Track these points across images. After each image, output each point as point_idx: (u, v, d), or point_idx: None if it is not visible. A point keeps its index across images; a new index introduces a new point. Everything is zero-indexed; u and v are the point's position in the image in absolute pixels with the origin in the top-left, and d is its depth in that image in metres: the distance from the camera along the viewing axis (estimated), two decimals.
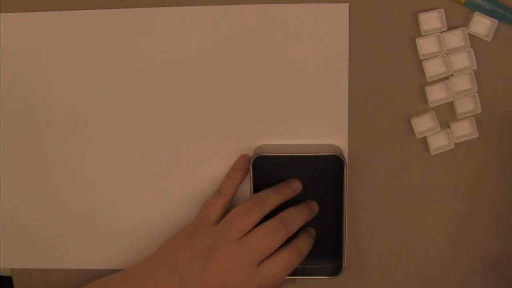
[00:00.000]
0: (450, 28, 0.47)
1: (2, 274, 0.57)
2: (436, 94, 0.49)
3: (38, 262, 0.56)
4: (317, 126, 0.50)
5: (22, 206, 0.54)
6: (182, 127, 0.51)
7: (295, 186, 0.50)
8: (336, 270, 0.51)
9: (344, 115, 0.50)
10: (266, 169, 0.49)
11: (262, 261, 0.45)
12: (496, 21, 0.46)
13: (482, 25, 0.47)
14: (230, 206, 0.49)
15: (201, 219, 0.49)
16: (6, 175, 0.53)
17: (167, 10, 0.49)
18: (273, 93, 0.50)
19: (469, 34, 0.47)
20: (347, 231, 0.51)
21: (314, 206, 0.50)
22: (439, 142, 0.50)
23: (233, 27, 0.49)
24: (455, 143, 0.49)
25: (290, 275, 0.47)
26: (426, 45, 0.48)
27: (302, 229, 0.48)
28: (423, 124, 0.49)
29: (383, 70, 0.49)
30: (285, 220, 0.46)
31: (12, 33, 0.50)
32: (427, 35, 0.47)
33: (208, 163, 0.52)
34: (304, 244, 0.48)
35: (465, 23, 0.47)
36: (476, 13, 0.46)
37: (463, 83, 0.48)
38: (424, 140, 0.50)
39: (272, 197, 0.47)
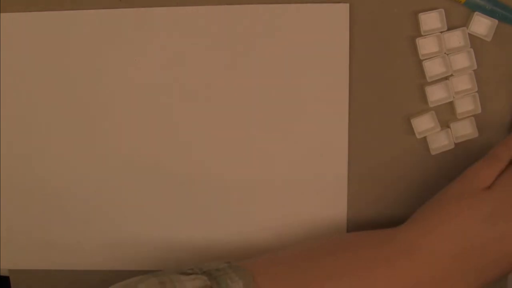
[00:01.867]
0: (450, 28, 0.47)
1: (1, 274, 0.57)
2: (436, 94, 0.49)
3: (36, 263, 0.56)
4: (317, 126, 0.50)
5: (21, 206, 0.54)
6: (182, 126, 0.51)
7: None
8: None
9: (344, 115, 0.50)
10: None
11: None
12: (496, 21, 0.46)
13: (482, 25, 0.47)
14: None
15: (472, 183, 0.44)
16: (6, 175, 0.53)
17: (167, 10, 0.49)
18: (272, 93, 0.50)
19: (469, 34, 0.47)
20: (348, 229, 0.51)
21: None
22: (439, 142, 0.50)
23: (233, 27, 0.49)
24: (455, 143, 0.49)
25: None
26: (426, 45, 0.48)
27: None
28: (423, 124, 0.49)
29: (383, 70, 0.49)
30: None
31: (12, 33, 0.50)
32: (427, 35, 0.47)
33: (206, 162, 0.52)
34: None
35: (465, 23, 0.47)
36: (476, 13, 0.46)
37: (463, 83, 0.48)
38: (424, 140, 0.50)
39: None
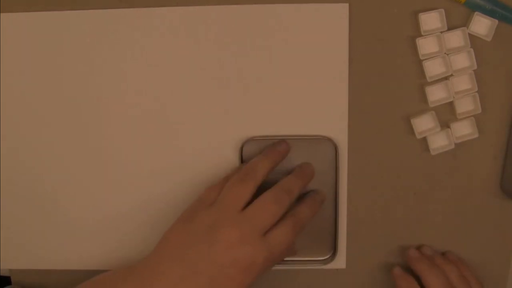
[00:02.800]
0: (450, 28, 0.47)
1: (1, 274, 0.57)
2: (436, 94, 0.49)
3: (36, 262, 0.56)
4: (317, 126, 0.50)
5: (21, 206, 0.54)
6: (183, 126, 0.51)
7: (282, 148, 0.49)
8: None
9: (344, 115, 0.50)
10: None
11: (267, 231, 0.43)
12: (496, 21, 0.47)
13: (482, 25, 0.47)
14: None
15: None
16: (6, 175, 0.53)
17: (167, 10, 0.49)
18: (273, 93, 0.50)
19: (469, 34, 0.47)
20: (348, 230, 0.51)
21: (309, 169, 0.49)
22: (439, 142, 0.50)
23: (233, 27, 0.49)
24: (455, 143, 0.50)
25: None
26: (426, 45, 0.48)
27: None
28: (423, 124, 0.49)
29: (383, 70, 0.49)
30: (285, 187, 0.45)
31: (12, 33, 0.50)
32: (427, 35, 0.47)
33: (208, 163, 0.52)
34: (304, 209, 0.46)
35: (465, 23, 0.47)
36: (476, 13, 0.46)
37: (463, 83, 0.48)
38: (424, 140, 0.50)
39: (261, 164, 0.46)
